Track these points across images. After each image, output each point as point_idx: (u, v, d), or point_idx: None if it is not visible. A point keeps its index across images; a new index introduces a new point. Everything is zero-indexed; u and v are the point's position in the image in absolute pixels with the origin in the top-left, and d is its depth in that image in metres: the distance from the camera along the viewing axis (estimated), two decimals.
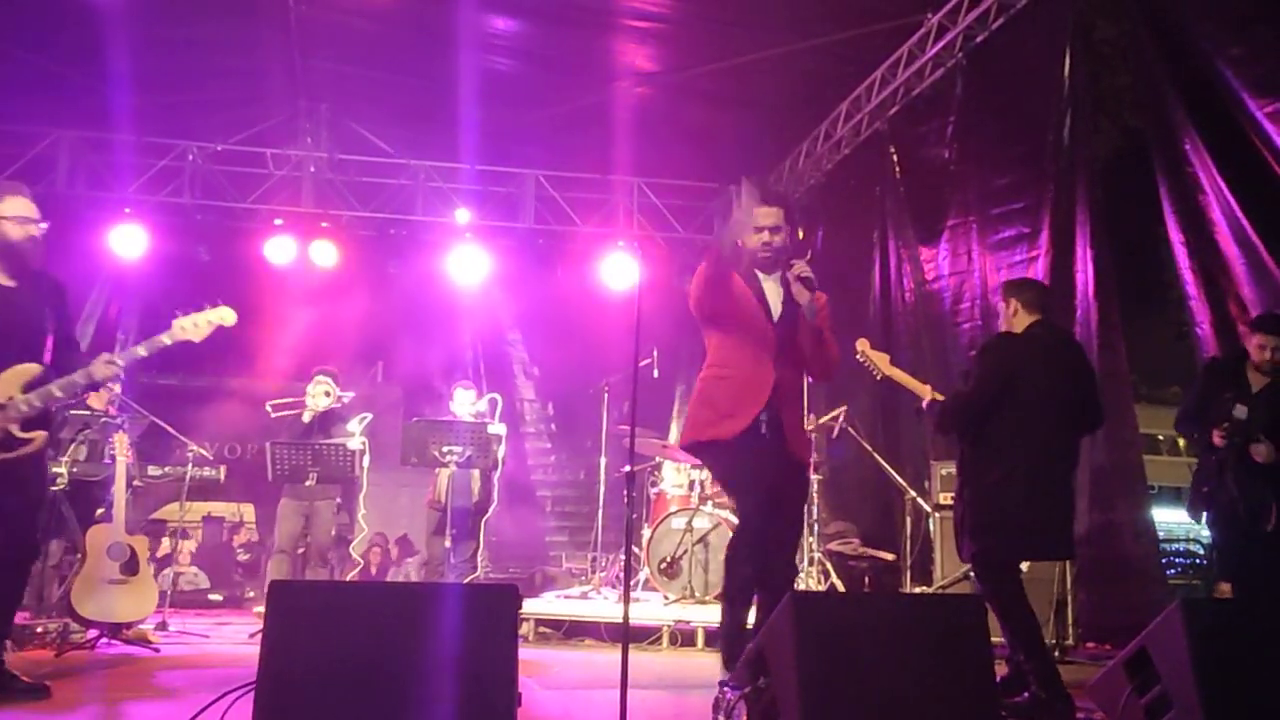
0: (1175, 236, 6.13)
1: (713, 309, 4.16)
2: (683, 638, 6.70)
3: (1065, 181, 7.01)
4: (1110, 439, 6.61)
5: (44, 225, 4.55)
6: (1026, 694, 4.35)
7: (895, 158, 8.99)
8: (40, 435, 4.46)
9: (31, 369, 4.44)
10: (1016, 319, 4.80)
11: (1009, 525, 4.49)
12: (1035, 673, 4.31)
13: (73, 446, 6.65)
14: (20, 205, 4.53)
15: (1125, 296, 7.06)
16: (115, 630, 6.16)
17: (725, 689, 3.41)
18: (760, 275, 4.25)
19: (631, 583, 6.34)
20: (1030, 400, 4.58)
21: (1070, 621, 6.39)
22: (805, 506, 4.44)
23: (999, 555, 4.53)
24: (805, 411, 4.37)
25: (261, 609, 3.68)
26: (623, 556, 7.50)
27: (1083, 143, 6.97)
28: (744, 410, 4.04)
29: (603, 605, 7.44)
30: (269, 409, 7.59)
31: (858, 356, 5.53)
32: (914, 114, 8.71)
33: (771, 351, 4.12)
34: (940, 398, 4.95)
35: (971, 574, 6.23)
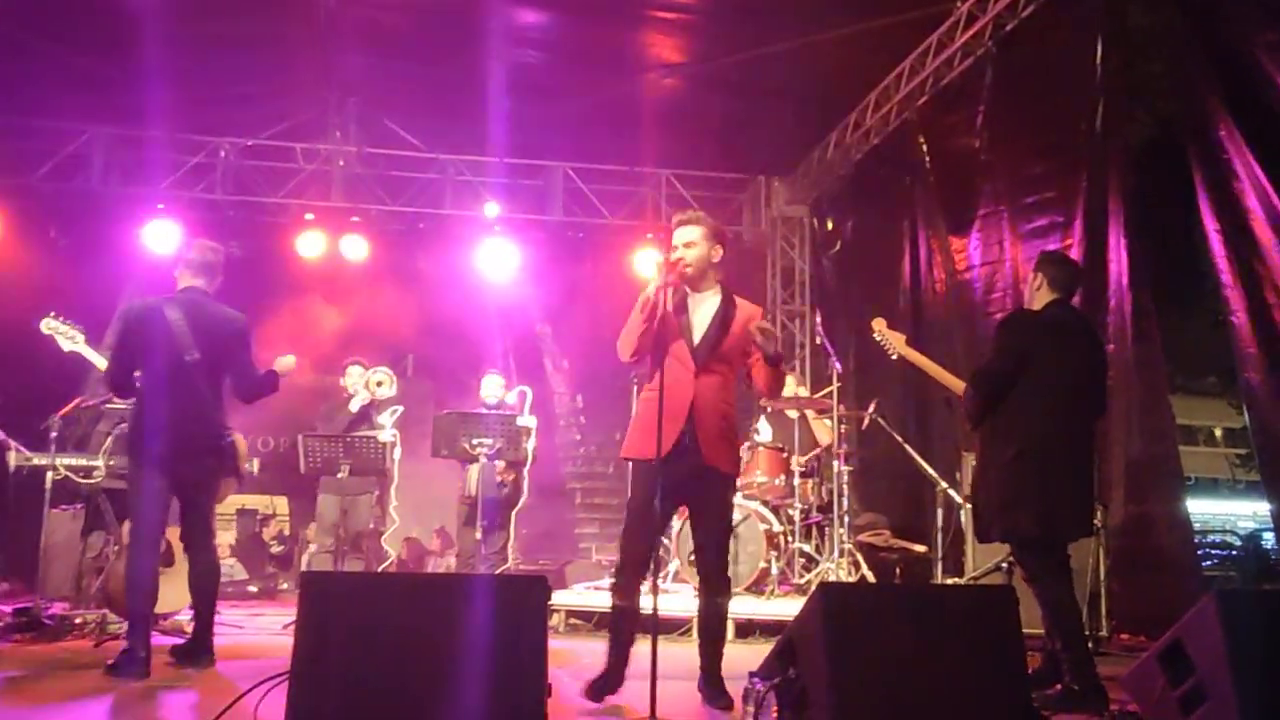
0: (1210, 224, 6.05)
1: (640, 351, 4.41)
2: None
3: (1098, 170, 6.94)
4: (1145, 430, 6.56)
5: None
6: (1059, 686, 4.32)
7: (925, 147, 8.93)
8: None
9: None
10: (1039, 294, 4.79)
11: (1025, 503, 4.48)
12: (1070, 663, 4.29)
13: (109, 440, 6.72)
14: None
15: (1160, 285, 6.99)
16: (153, 620, 6.23)
17: (755, 680, 3.41)
18: (690, 294, 4.48)
19: (661, 574, 6.36)
20: (1042, 380, 4.57)
21: (1104, 613, 6.35)
22: (728, 512, 4.63)
23: (1021, 533, 4.52)
24: (732, 420, 4.52)
25: None
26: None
27: (1116, 131, 6.90)
28: (668, 430, 4.21)
29: None
30: (351, 409, 7.67)
31: (875, 336, 5.54)
32: (944, 103, 8.65)
33: (692, 371, 4.36)
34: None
35: (1004, 565, 6.23)
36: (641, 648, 4.39)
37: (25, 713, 4.15)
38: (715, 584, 4.47)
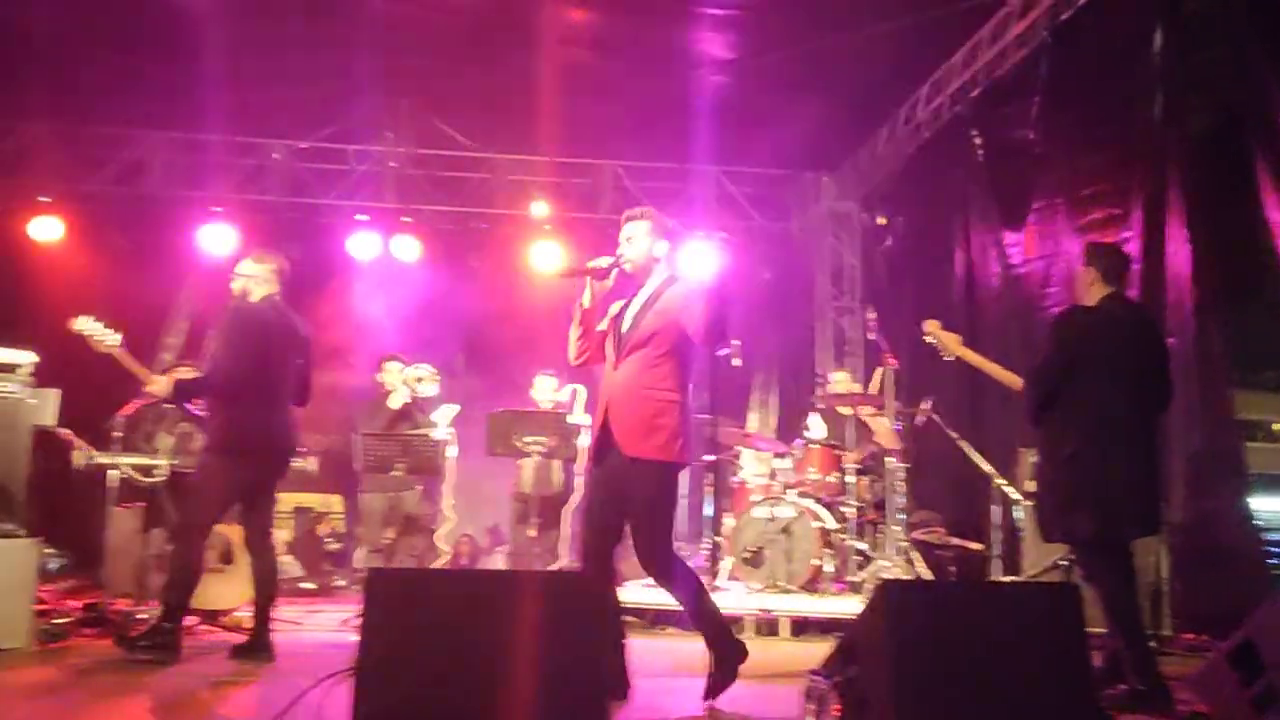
0: (1274, 215, 5.93)
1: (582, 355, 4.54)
2: (767, 627, 6.69)
3: (1157, 161, 6.81)
4: (1207, 424, 6.44)
5: None
6: (1123, 685, 4.26)
7: (978, 141, 8.81)
8: None
9: None
10: (1093, 289, 4.71)
11: (1082, 501, 4.41)
12: (1133, 662, 4.22)
13: (172, 440, 6.83)
14: None
15: (1221, 278, 6.84)
16: (212, 617, 6.35)
17: (817, 678, 3.40)
18: (640, 290, 4.49)
19: (714, 572, 6.37)
20: (1100, 376, 4.50)
21: (1166, 612, 6.24)
22: (650, 498, 4.27)
23: (1079, 533, 4.45)
24: (656, 402, 4.27)
25: None
26: (705, 546, 7.53)
27: (1175, 120, 6.76)
28: (596, 432, 4.40)
29: None
30: (392, 405, 7.71)
31: (926, 338, 5.47)
32: (997, 95, 8.53)
33: (613, 365, 4.42)
34: None
35: (1062, 563, 6.15)
36: (700, 645, 4.40)
37: (92, 703, 4.24)
38: (654, 577, 4.35)
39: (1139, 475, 4.53)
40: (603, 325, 4.50)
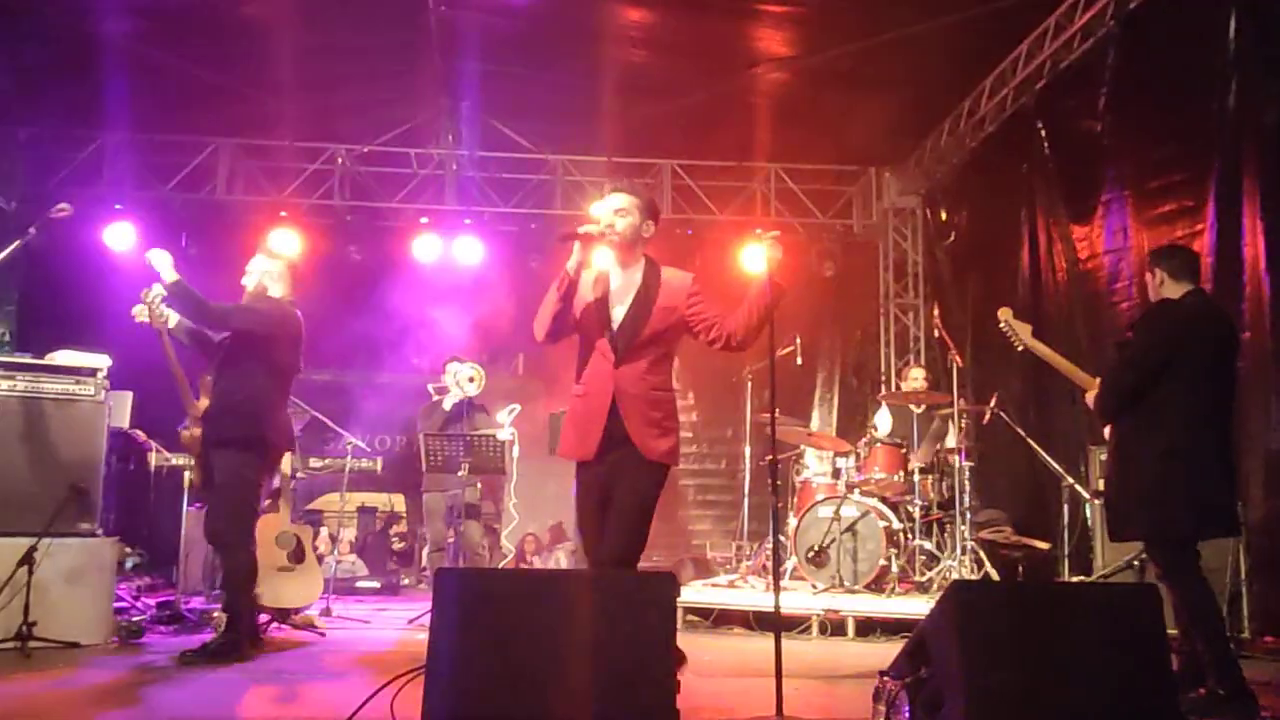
0: None
1: (555, 333, 4.15)
2: (833, 627, 6.64)
3: (1231, 151, 6.63)
4: None
5: None
6: (1203, 690, 4.15)
7: (1043, 133, 8.67)
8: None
9: None
10: (1165, 288, 4.59)
11: (1176, 499, 4.31)
12: (1214, 665, 4.10)
13: None
14: None
15: None
16: (284, 615, 6.45)
17: (886, 679, 3.36)
18: (616, 271, 4.20)
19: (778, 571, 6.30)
20: (1191, 371, 4.39)
21: (1245, 615, 6.08)
22: (642, 491, 4.05)
23: (1171, 531, 4.35)
24: (664, 404, 4.12)
25: None
26: (769, 545, 7.47)
27: (1250, 109, 6.58)
28: (593, 430, 4.06)
29: (751, 594, 7.43)
30: (431, 390, 7.81)
31: (1000, 326, 5.39)
32: (1063, 87, 8.38)
33: (612, 361, 4.09)
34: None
35: (1136, 562, 6.03)
36: (765, 645, 4.38)
37: (165, 698, 4.32)
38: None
39: (1224, 473, 4.42)
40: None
